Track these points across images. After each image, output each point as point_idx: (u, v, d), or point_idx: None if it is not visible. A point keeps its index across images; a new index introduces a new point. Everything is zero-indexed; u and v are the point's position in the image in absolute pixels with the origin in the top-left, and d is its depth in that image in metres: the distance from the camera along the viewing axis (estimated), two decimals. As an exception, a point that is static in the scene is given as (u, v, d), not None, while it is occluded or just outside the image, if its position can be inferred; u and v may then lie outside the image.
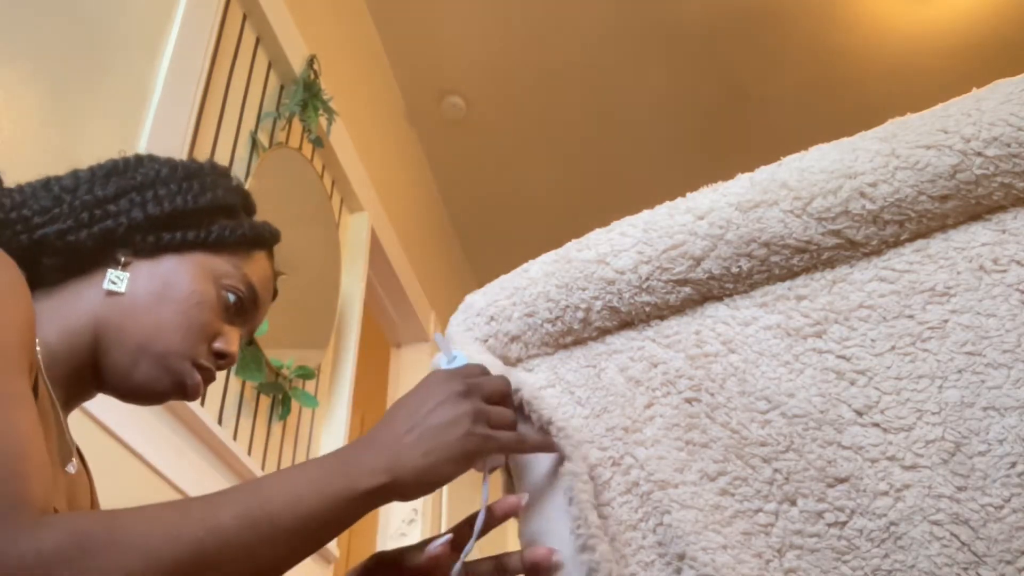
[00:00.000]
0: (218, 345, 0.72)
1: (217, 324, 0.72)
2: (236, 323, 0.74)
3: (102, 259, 0.69)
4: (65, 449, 0.65)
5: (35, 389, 0.57)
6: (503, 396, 0.62)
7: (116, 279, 0.67)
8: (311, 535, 0.51)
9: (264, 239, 0.77)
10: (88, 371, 0.68)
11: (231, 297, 0.72)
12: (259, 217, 0.81)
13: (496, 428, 0.59)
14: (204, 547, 0.46)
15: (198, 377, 0.70)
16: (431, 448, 0.55)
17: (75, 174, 0.70)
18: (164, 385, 0.68)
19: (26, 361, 0.53)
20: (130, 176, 0.71)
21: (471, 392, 0.59)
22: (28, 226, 0.66)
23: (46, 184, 0.69)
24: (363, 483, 0.52)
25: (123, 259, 0.69)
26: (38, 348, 0.62)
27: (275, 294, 0.81)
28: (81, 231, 0.67)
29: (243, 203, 0.79)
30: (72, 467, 0.66)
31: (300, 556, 0.51)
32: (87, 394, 0.71)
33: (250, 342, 1.65)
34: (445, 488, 2.81)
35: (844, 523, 0.56)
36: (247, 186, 1.64)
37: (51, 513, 0.46)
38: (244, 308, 0.74)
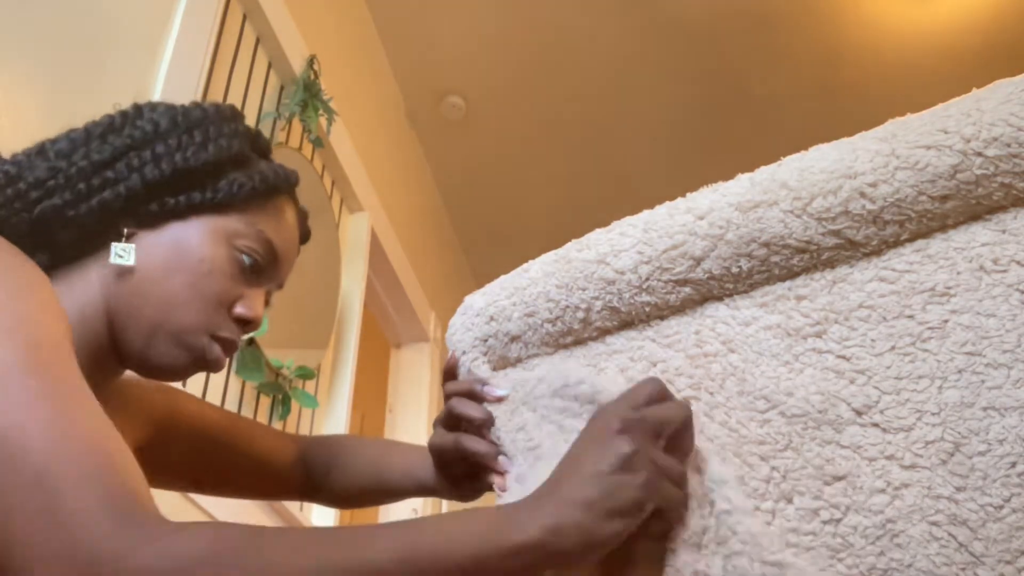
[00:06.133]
0: (239, 310, 0.67)
1: (235, 289, 0.67)
2: (258, 284, 0.70)
3: (107, 233, 0.65)
4: None
5: None
6: (678, 429, 0.54)
7: (122, 252, 0.63)
8: None
9: (277, 187, 0.71)
10: (108, 352, 0.65)
11: (246, 259, 0.67)
12: None
13: (665, 475, 0.52)
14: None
15: (218, 350, 0.67)
16: (593, 500, 0.49)
17: (69, 136, 0.65)
18: (183, 362, 0.65)
19: (73, 353, 0.52)
20: (127, 134, 0.66)
21: (635, 429, 0.52)
22: (27, 202, 0.62)
23: (41, 150, 0.65)
24: (514, 537, 0.47)
25: (127, 231, 0.65)
26: None
27: (307, 235, 0.76)
28: (80, 205, 0.63)
29: (253, 146, 0.73)
30: None
31: None
32: (113, 375, 0.68)
33: (251, 341, 1.65)
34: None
35: (839, 520, 0.56)
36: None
37: (165, 518, 0.44)
38: (262, 268, 0.69)
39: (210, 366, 0.67)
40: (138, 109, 0.69)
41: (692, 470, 0.56)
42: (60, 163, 0.63)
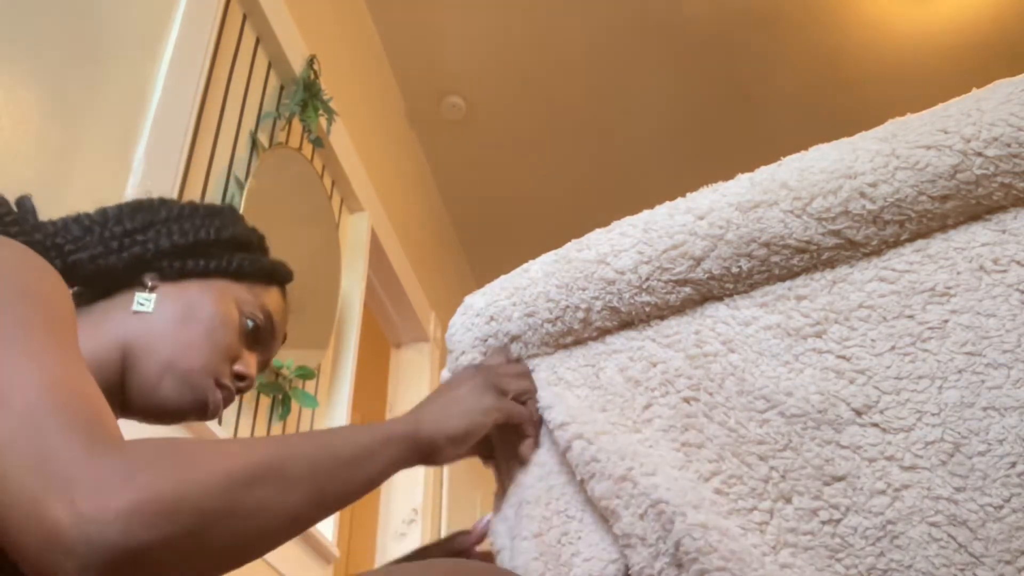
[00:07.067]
0: (239, 367, 0.75)
1: (238, 347, 0.75)
2: (254, 349, 0.78)
3: (129, 282, 0.72)
4: None
5: None
6: (522, 374, 0.72)
7: (144, 300, 0.71)
8: (360, 469, 0.57)
9: (280, 275, 0.82)
10: (115, 392, 0.69)
11: (250, 323, 0.76)
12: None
13: (513, 395, 0.69)
14: (277, 456, 0.51)
15: (219, 396, 0.73)
16: (451, 409, 0.65)
17: (103, 210, 0.75)
18: (186, 401, 0.71)
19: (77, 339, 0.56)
20: (155, 211, 0.76)
21: (487, 370, 0.69)
22: (61, 252, 0.69)
23: (77, 218, 0.73)
24: (395, 429, 0.61)
25: (150, 283, 0.73)
26: None
27: (284, 337, 0.84)
28: (111, 256, 0.71)
29: (259, 243, 0.84)
30: None
31: (350, 491, 0.56)
32: None
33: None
34: (444, 490, 2.81)
35: (838, 521, 0.56)
36: (247, 187, 1.65)
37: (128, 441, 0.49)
38: (262, 335, 0.78)
39: (207, 411, 0.73)
40: (163, 199, 0.80)
41: (627, 492, 0.58)
42: (95, 227, 0.72)
